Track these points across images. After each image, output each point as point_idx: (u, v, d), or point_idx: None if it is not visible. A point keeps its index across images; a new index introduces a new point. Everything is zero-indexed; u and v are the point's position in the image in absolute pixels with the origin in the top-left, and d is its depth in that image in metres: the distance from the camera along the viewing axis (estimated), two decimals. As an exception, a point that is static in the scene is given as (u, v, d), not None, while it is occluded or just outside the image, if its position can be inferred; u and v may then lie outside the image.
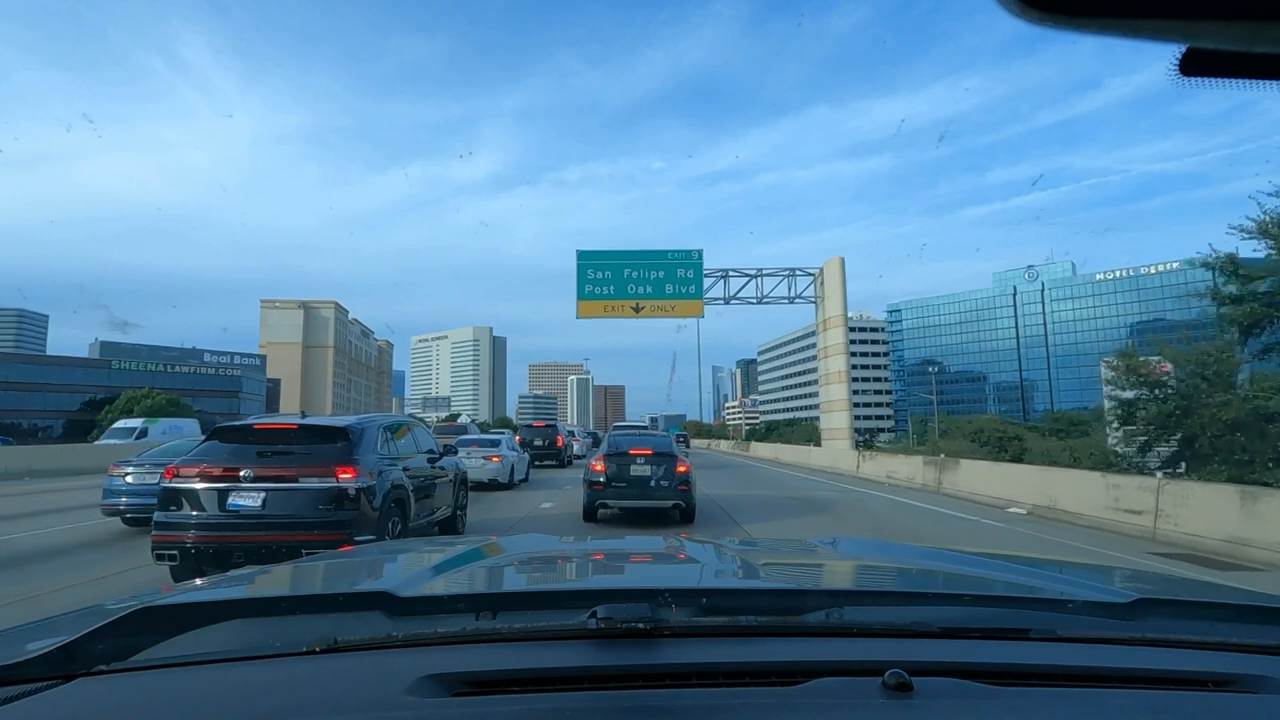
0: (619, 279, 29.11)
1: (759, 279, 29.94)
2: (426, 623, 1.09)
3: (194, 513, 5.87)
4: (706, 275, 29.61)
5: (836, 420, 28.43)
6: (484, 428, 38.61)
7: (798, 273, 30.03)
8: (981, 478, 15.03)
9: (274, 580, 1.71)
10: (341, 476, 6.02)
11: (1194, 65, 0.57)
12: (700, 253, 29.47)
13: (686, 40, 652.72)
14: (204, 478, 5.95)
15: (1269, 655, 1.03)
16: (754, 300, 30.11)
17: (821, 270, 29.58)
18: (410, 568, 1.76)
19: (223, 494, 5.88)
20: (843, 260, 28.62)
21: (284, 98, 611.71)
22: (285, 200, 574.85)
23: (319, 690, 0.88)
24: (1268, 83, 0.59)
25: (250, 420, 7.14)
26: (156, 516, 5.95)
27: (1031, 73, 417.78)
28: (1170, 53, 0.57)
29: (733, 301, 30.12)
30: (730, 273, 30.02)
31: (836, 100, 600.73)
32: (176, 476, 6.00)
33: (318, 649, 0.96)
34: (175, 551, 5.77)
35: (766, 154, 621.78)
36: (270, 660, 0.96)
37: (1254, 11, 0.51)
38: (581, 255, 29.58)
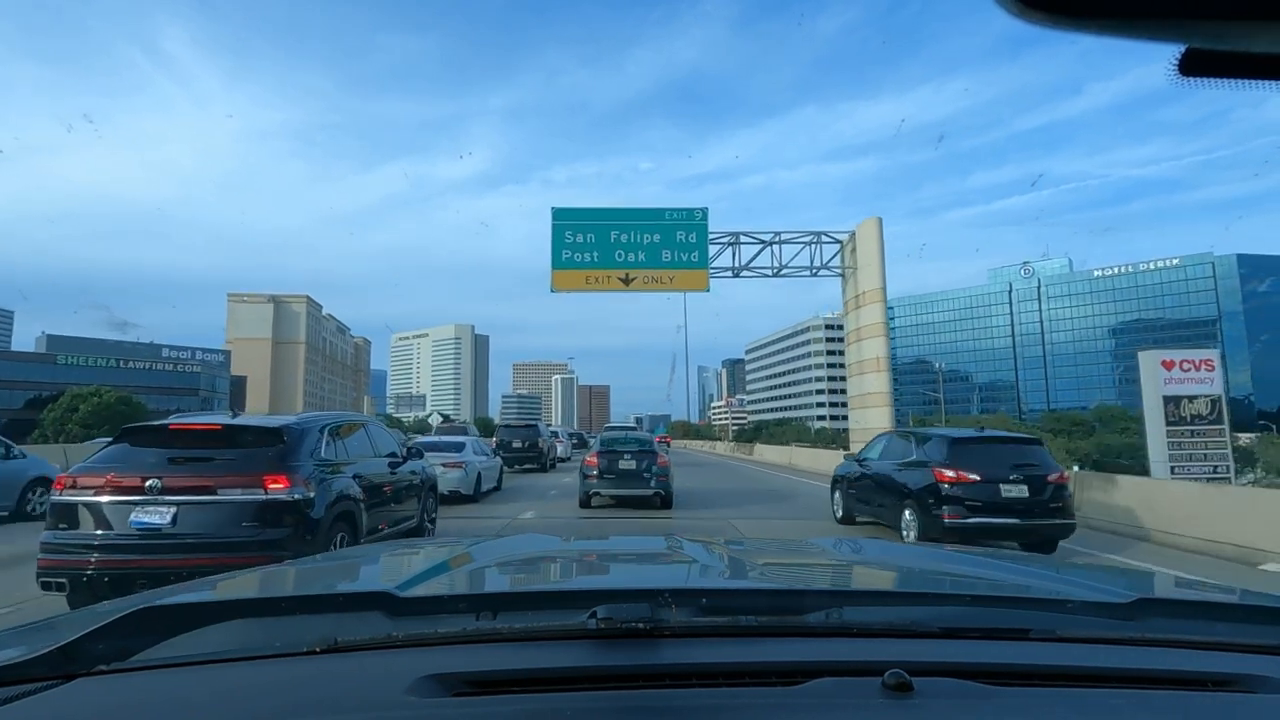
0: (604, 243, 23.52)
1: (776, 246, 24.51)
2: (426, 623, 1.08)
3: (90, 531, 5.04)
4: (713, 241, 24.11)
5: (873, 418, 23.03)
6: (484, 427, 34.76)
7: (824, 238, 24.62)
8: (1175, 505, 9.65)
9: (274, 580, 1.72)
10: (271, 487, 5.17)
11: (1193, 65, 0.57)
12: (705, 212, 23.96)
13: (677, 41, 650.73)
14: (103, 489, 5.09)
15: (1269, 655, 1.03)
16: (769, 271, 24.67)
17: (853, 235, 24.20)
18: (410, 568, 1.76)
19: (125, 509, 5.02)
20: (880, 222, 23.24)
21: (272, 94, 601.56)
22: (270, 198, 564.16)
23: (319, 690, 0.88)
24: (1266, 83, 0.59)
25: (169, 420, 6.07)
26: (44, 536, 5.13)
27: (1023, 76, 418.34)
28: (1169, 53, 0.57)
29: (744, 274, 24.65)
30: (742, 237, 24.51)
31: (825, 102, 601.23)
32: (70, 488, 5.14)
33: (318, 649, 0.95)
34: (64, 579, 4.95)
35: (755, 154, 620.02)
36: (270, 660, 0.95)
37: (1252, 12, 0.51)
38: (558, 213, 23.92)
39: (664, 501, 12.36)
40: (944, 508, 8.13)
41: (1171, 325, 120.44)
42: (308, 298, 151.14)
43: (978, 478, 8.13)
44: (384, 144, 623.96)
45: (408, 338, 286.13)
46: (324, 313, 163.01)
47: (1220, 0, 0.51)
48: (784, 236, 24.48)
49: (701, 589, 1.38)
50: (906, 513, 8.81)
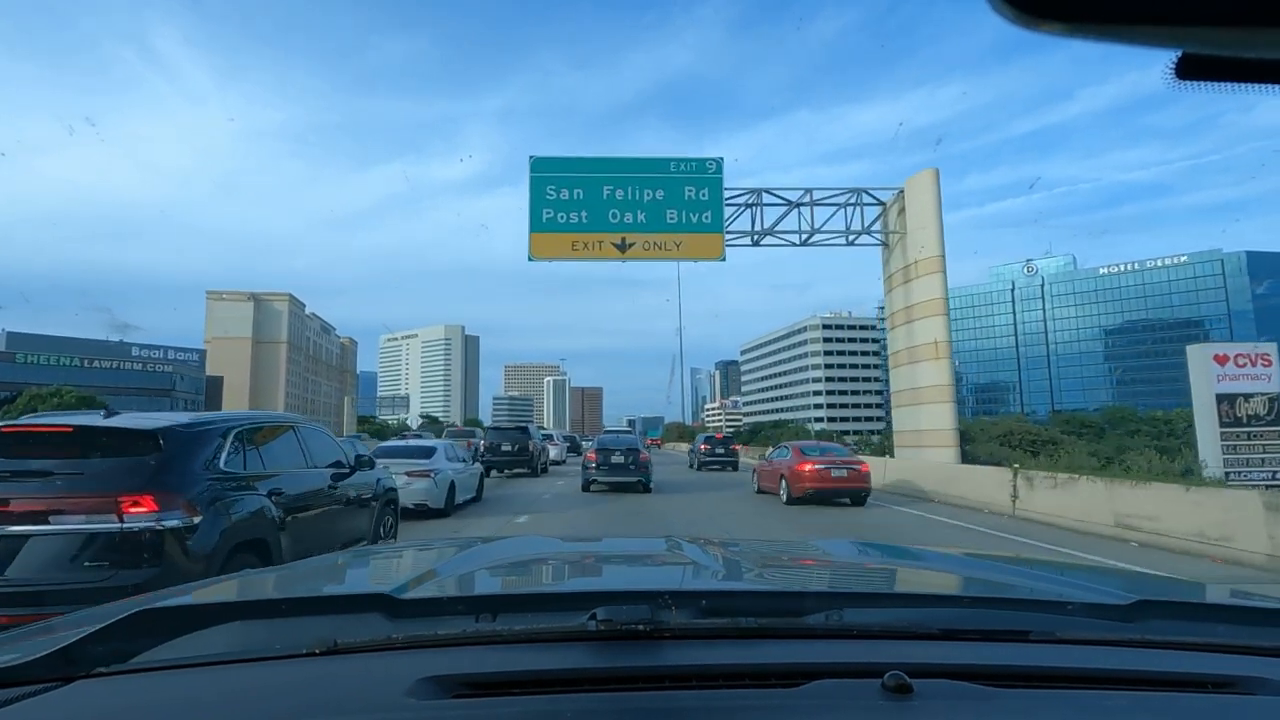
0: (595, 201, 18.99)
1: (806, 208, 20.04)
2: (426, 624, 1.08)
3: None
4: (729, 200, 19.63)
5: (930, 417, 18.55)
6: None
7: (865, 197, 20.17)
8: None
9: (273, 582, 1.72)
10: (132, 512, 3.97)
11: (1189, 70, 0.57)
12: (720, 163, 19.48)
13: (673, 44, 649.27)
14: None
15: (1268, 657, 1.02)
16: (796, 238, 20.20)
17: (901, 193, 19.73)
18: (410, 569, 1.75)
19: None
20: (937, 174, 18.81)
21: (271, 94, 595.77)
22: (267, 199, 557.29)
23: (319, 692, 0.88)
24: (1263, 86, 0.60)
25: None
26: None
27: (1021, 79, 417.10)
28: (1166, 57, 0.57)
29: (765, 240, 20.18)
30: (764, 195, 20.04)
31: (821, 106, 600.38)
32: None
33: (317, 651, 0.95)
34: None
35: (752, 156, 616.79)
36: (270, 662, 0.95)
37: (1248, 17, 0.51)
38: (538, 163, 19.35)
39: (645, 487, 16.02)
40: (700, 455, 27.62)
41: (1178, 324, 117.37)
42: (290, 296, 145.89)
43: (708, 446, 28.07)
44: (379, 146, 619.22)
45: (396, 338, 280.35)
46: (307, 311, 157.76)
47: (1216, 5, 0.51)
48: (817, 195, 20.01)
49: (701, 590, 1.38)
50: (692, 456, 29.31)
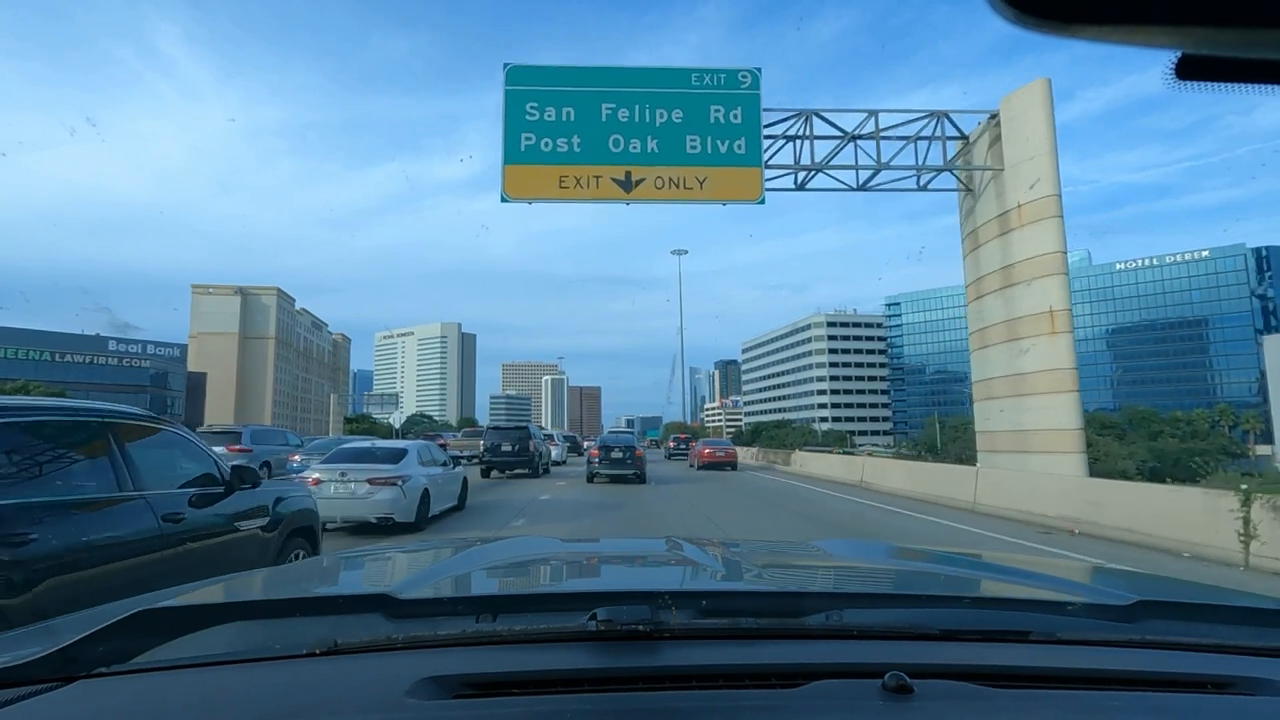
0: (592, 123, 14.25)
1: (868, 141, 15.29)
2: (427, 625, 1.08)
3: None
4: (768, 126, 14.88)
5: (1041, 413, 13.78)
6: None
7: (946, 126, 15.41)
8: None
9: (274, 582, 1.67)
10: None
11: (1189, 70, 0.58)
12: (756, 75, 14.72)
13: (672, 45, 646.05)
14: None
15: (1268, 657, 1.03)
16: (853, 178, 15.47)
17: (994, 119, 14.94)
18: (410, 570, 1.75)
19: None
20: (1049, 85, 14.16)
21: (271, 91, 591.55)
22: (265, 198, 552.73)
23: (319, 692, 0.88)
24: (1262, 86, 0.60)
25: None
26: None
27: (1019, 79, 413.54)
28: (1165, 58, 0.57)
29: (813, 182, 15.45)
30: (815, 121, 15.27)
31: (816, 105, 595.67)
32: None
33: (318, 651, 0.96)
34: None
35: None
36: (270, 662, 0.96)
37: (1247, 18, 0.51)
38: (515, 74, 14.52)
39: (639, 478, 18.99)
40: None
41: (1195, 323, 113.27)
42: (278, 290, 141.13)
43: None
44: (380, 144, 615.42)
45: (392, 336, 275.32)
46: (297, 307, 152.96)
47: (1215, 6, 0.51)
48: (883, 120, 15.24)
49: (701, 591, 1.38)
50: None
